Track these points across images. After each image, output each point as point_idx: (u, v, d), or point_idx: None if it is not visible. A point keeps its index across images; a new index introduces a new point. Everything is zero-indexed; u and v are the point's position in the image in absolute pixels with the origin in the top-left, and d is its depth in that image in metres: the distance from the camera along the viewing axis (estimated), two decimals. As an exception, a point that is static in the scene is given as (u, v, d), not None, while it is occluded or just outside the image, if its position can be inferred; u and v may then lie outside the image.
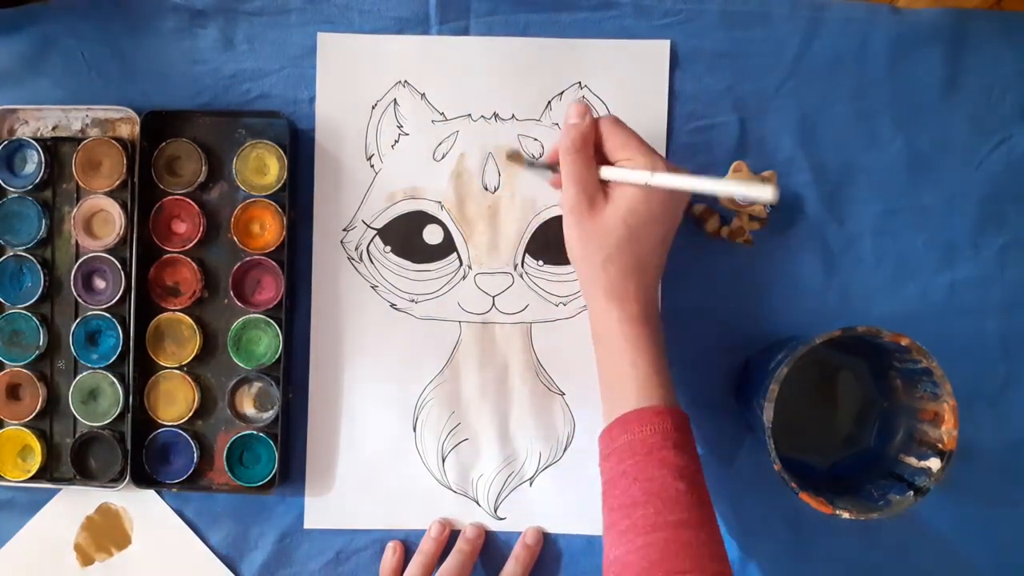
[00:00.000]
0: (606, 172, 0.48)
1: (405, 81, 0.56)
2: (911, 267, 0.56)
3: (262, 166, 0.55)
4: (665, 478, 0.43)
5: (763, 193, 0.42)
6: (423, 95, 0.56)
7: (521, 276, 0.56)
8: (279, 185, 0.54)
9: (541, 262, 0.56)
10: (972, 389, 0.54)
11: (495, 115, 0.56)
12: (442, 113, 0.56)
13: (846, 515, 0.45)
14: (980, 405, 0.55)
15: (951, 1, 0.56)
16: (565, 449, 0.56)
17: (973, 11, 0.56)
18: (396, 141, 0.56)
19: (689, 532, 0.42)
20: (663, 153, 0.55)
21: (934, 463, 0.46)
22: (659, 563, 0.41)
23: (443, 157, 0.56)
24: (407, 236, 0.56)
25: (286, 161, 0.54)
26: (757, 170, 0.53)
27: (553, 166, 0.53)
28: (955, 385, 0.45)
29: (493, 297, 0.56)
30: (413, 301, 0.56)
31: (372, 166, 0.56)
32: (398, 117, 0.56)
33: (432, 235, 0.56)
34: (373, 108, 0.56)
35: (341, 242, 0.56)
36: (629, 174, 0.46)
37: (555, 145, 0.51)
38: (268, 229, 0.55)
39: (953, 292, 0.56)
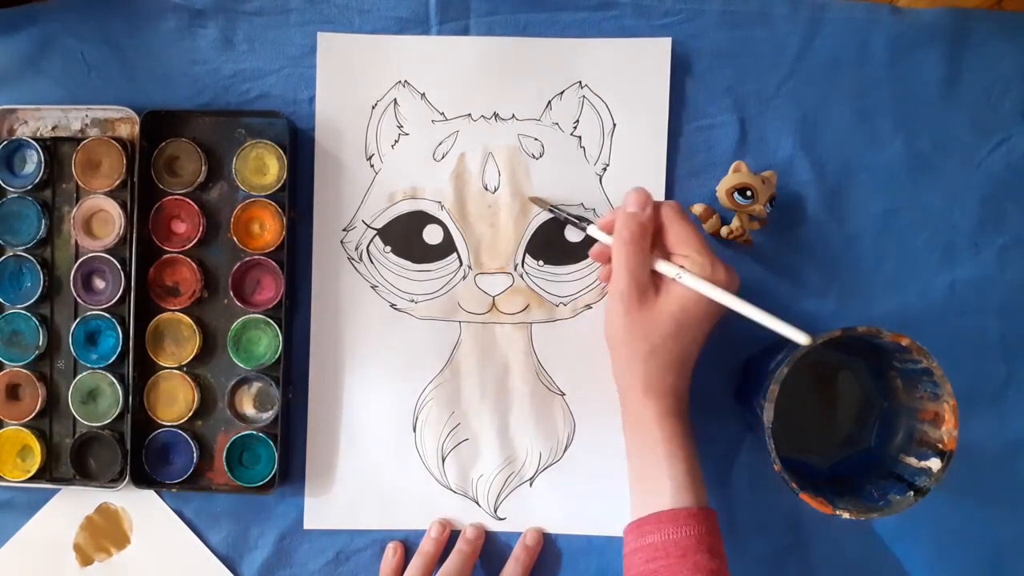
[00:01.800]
0: (661, 267, 0.48)
1: (405, 81, 0.56)
2: (911, 267, 0.56)
3: (262, 166, 0.55)
4: None
5: (798, 337, 0.43)
6: (423, 95, 0.56)
7: (521, 276, 0.56)
8: (279, 185, 0.54)
9: (541, 262, 0.56)
10: (972, 389, 0.54)
11: (495, 115, 0.56)
12: (442, 113, 0.56)
13: (846, 515, 0.45)
14: (980, 405, 0.55)
15: (951, 1, 0.56)
16: (565, 449, 0.56)
17: (973, 11, 0.56)
18: (396, 141, 0.56)
19: None
20: (664, 152, 0.55)
21: (934, 463, 0.46)
22: None
23: (443, 157, 0.56)
24: (407, 236, 0.56)
25: (286, 161, 0.54)
26: (757, 170, 0.53)
27: (588, 234, 0.52)
28: (955, 385, 0.45)
29: (493, 297, 0.56)
30: (413, 301, 0.56)
31: (372, 166, 0.56)
32: (398, 117, 0.56)
33: (432, 235, 0.56)
34: (373, 108, 0.56)
35: (341, 242, 0.56)
36: (690, 280, 0.46)
37: (606, 217, 0.50)
38: (268, 229, 0.55)
39: (953, 292, 0.56)
